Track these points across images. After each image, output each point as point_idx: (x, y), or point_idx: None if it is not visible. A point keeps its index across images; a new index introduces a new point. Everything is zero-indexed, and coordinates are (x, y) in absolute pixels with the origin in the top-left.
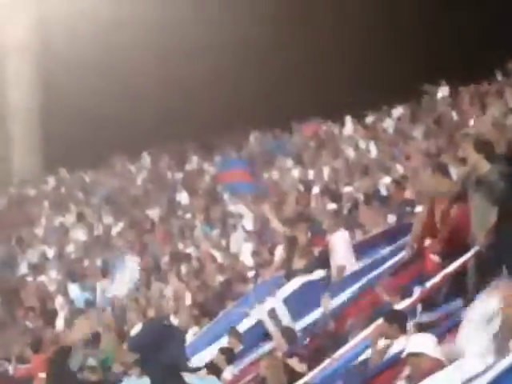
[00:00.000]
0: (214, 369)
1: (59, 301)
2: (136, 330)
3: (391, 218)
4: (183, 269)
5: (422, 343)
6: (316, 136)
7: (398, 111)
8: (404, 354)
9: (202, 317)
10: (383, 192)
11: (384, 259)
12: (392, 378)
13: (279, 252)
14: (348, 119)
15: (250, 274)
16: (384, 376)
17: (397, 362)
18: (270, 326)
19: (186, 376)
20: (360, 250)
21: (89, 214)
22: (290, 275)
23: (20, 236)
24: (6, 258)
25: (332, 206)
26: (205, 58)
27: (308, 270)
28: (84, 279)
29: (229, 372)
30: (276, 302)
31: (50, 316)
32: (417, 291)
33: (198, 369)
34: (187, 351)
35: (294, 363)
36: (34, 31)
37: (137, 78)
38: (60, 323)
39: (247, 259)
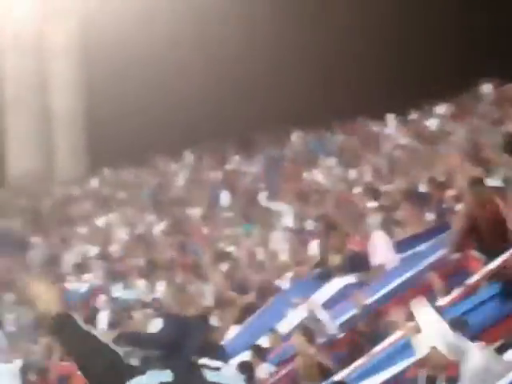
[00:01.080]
0: (245, 368)
1: (101, 299)
2: (155, 326)
3: (430, 216)
4: (224, 267)
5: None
6: (358, 135)
7: (441, 109)
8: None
9: (242, 315)
10: (423, 190)
11: (424, 256)
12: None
13: (314, 248)
14: (390, 117)
15: (289, 271)
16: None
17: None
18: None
19: (208, 373)
20: (400, 248)
21: (131, 213)
22: (325, 273)
23: (63, 236)
24: (50, 256)
25: (373, 204)
26: (249, 57)
27: (343, 267)
28: (126, 278)
29: (263, 370)
30: (315, 305)
31: (91, 314)
32: (457, 288)
33: (219, 368)
34: (226, 350)
35: (324, 359)
36: (76, 34)
37: (179, 78)
38: (102, 322)
39: (286, 257)
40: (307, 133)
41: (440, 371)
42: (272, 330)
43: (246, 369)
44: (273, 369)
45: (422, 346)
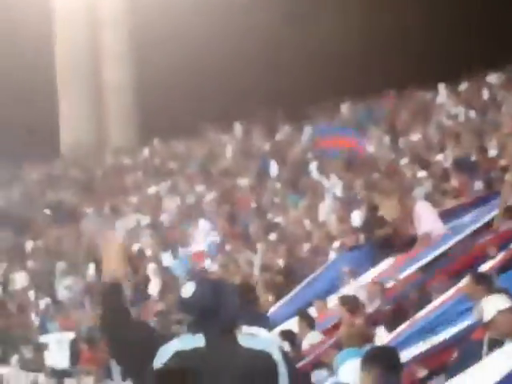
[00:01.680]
0: (288, 335)
1: (152, 267)
2: (189, 290)
3: (478, 185)
4: (272, 237)
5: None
6: (408, 104)
7: (492, 79)
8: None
9: (289, 284)
10: (473, 159)
11: (473, 225)
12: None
13: (359, 217)
14: (441, 87)
15: (336, 241)
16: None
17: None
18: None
19: (242, 339)
20: (448, 217)
21: (181, 182)
22: (372, 244)
23: (115, 204)
24: (100, 225)
25: (422, 173)
26: (299, 29)
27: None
28: (176, 247)
29: (310, 338)
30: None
31: (142, 282)
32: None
33: (254, 333)
34: (267, 318)
35: (367, 329)
36: (127, 6)
37: (229, 49)
38: (153, 289)
39: (333, 227)
40: (356, 103)
41: (506, 335)
42: (320, 299)
43: (289, 336)
44: (320, 337)
45: (489, 309)
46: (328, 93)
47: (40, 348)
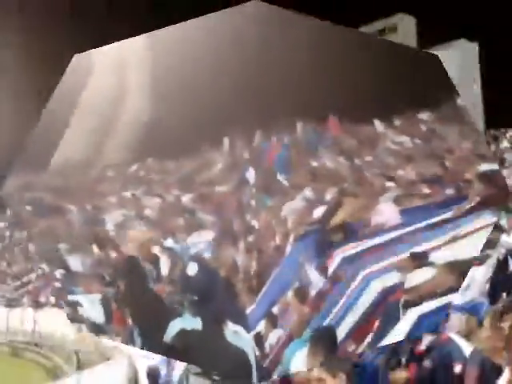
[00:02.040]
0: (257, 339)
1: (157, 248)
2: (193, 269)
3: (450, 191)
4: (249, 238)
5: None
6: (351, 133)
7: (424, 116)
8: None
9: (262, 284)
10: (436, 174)
11: (428, 218)
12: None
13: (319, 211)
14: (377, 122)
15: (291, 235)
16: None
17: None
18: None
19: (228, 334)
20: (413, 213)
21: (159, 187)
22: (324, 232)
23: (95, 204)
24: (90, 219)
25: (389, 183)
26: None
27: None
28: (173, 235)
29: (270, 339)
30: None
31: (152, 261)
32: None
33: (238, 331)
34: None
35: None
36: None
37: (219, 76)
38: (162, 268)
39: (292, 222)
40: (307, 124)
41: (424, 297)
42: (282, 295)
43: (258, 339)
44: (281, 333)
45: (416, 277)
46: (286, 109)
47: (73, 305)
